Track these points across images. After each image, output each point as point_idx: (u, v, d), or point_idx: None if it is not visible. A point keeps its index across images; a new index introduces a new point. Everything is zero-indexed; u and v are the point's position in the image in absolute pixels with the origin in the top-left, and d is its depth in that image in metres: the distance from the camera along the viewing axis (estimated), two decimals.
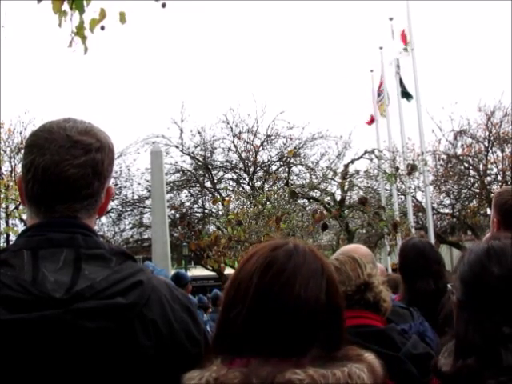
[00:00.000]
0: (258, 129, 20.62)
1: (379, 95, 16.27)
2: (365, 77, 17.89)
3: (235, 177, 21.58)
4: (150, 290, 1.29)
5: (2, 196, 13.69)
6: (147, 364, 1.25)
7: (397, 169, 11.37)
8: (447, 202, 20.97)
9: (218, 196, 18.98)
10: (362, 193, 14.69)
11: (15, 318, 1.15)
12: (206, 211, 21.09)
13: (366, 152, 12.00)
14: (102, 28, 3.91)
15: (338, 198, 12.49)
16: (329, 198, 12.08)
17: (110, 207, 18.90)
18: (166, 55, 44.79)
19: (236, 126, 20.59)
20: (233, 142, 20.93)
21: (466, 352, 1.32)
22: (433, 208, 17.88)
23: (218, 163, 21.40)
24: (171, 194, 20.58)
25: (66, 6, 3.81)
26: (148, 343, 1.25)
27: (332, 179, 12.41)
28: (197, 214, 21.44)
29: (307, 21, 46.74)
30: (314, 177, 13.89)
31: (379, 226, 10.84)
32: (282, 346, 1.14)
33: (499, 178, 19.74)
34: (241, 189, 19.53)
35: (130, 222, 21.82)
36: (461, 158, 20.22)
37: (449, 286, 1.62)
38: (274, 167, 20.98)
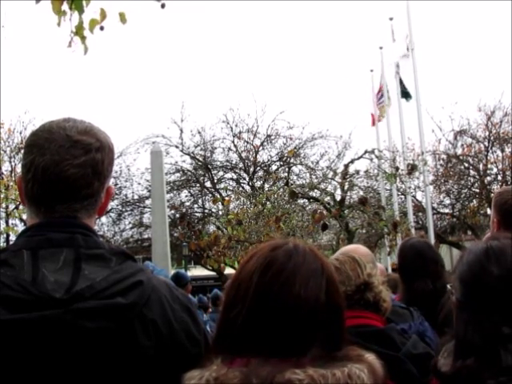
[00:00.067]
0: (258, 129, 20.67)
1: (379, 98, 16.27)
2: (365, 77, 17.96)
3: (235, 177, 21.58)
4: (150, 290, 1.29)
5: (2, 196, 13.69)
6: (147, 364, 1.25)
7: (397, 169, 11.37)
8: (447, 201, 21.00)
9: (218, 196, 18.98)
10: (361, 193, 14.72)
11: (15, 318, 1.15)
12: (206, 211, 21.09)
13: (366, 152, 11.99)
14: (102, 28, 3.91)
15: (338, 197, 12.49)
16: (329, 197, 12.07)
17: (109, 207, 18.90)
18: (165, 55, 44.85)
19: (236, 125, 20.64)
20: (233, 141, 20.95)
21: (466, 352, 1.32)
22: (433, 208, 17.89)
23: (218, 163, 21.42)
24: (171, 194, 20.59)
25: (65, 6, 3.82)
26: (148, 343, 1.25)
27: (332, 179, 12.41)
28: (197, 214, 21.44)
29: (307, 21, 46.80)
30: (313, 177, 13.91)
31: (379, 225, 10.84)
32: (282, 346, 1.14)
33: (499, 177, 19.74)
34: (241, 189, 19.53)
35: (129, 222, 21.84)
36: (461, 157, 20.22)
37: (448, 286, 1.62)
38: (273, 167, 20.98)
